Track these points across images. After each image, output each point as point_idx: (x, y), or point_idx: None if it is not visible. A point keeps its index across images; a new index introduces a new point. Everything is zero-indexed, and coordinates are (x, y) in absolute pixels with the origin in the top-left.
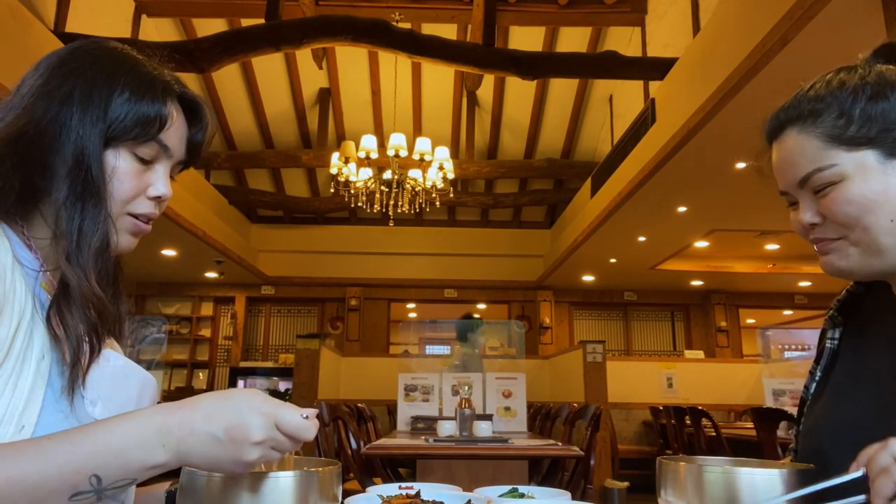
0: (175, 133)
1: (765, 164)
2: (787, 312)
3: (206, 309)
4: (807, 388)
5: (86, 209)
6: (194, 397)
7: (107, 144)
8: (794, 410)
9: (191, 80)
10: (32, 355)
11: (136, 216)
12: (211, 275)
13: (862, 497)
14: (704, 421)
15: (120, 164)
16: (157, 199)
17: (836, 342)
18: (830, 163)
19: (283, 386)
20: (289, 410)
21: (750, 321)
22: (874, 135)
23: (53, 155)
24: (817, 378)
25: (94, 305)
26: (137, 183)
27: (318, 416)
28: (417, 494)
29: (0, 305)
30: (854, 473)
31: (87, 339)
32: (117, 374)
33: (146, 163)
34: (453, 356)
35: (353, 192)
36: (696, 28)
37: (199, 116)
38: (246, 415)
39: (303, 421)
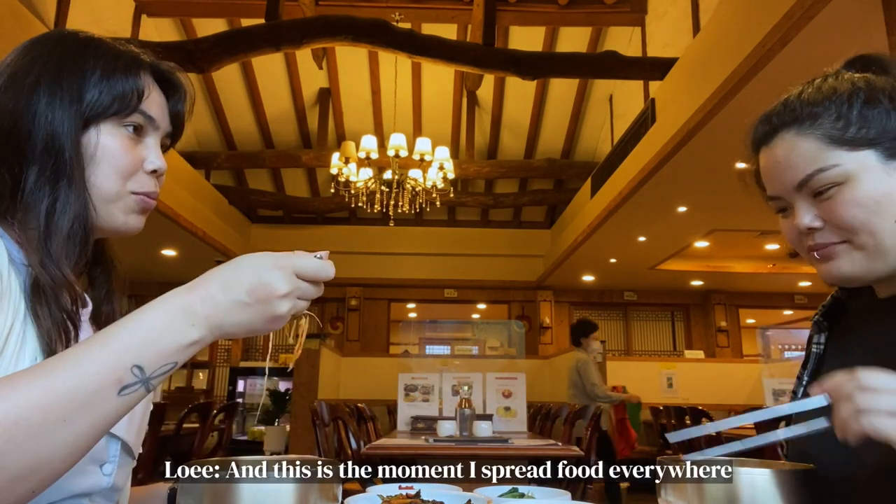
0: (155, 104)
1: (748, 171)
2: (787, 312)
3: None
4: (794, 392)
5: (56, 190)
6: (204, 275)
7: (87, 125)
8: None
9: (191, 80)
10: (26, 357)
11: (138, 194)
12: None
13: (824, 422)
14: (704, 421)
15: (109, 141)
16: (154, 174)
17: (821, 347)
18: (832, 163)
19: (283, 386)
20: (302, 257)
21: (750, 321)
22: (873, 136)
23: (29, 144)
24: (804, 382)
25: (67, 291)
26: (132, 158)
27: (319, 415)
28: (417, 494)
29: None
30: (817, 398)
31: (62, 328)
32: None
33: (136, 135)
34: (571, 358)
35: (353, 192)
36: (696, 28)
37: (174, 86)
38: (264, 273)
39: (320, 262)
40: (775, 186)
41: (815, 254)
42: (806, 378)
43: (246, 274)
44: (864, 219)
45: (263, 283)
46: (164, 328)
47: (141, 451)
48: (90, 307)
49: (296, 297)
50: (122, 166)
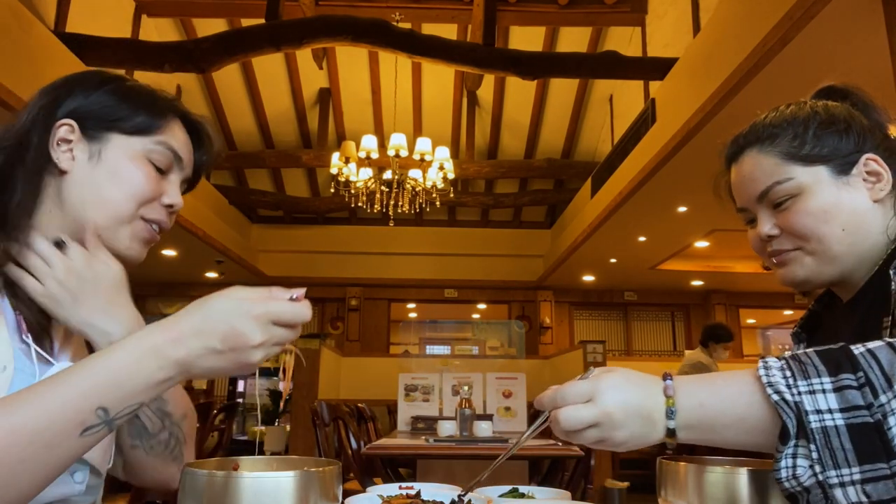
0: (185, 148)
1: (722, 185)
2: (788, 312)
3: None
4: None
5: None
6: (177, 315)
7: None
8: None
9: (191, 80)
10: None
11: (148, 221)
12: (211, 275)
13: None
14: None
15: (139, 168)
16: (170, 208)
17: None
18: (788, 176)
19: (283, 386)
20: (277, 302)
21: (750, 321)
22: (825, 154)
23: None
24: None
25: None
26: (155, 188)
27: (319, 415)
28: (417, 494)
29: None
30: (542, 416)
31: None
32: None
33: (161, 172)
34: (685, 359)
35: (353, 192)
36: (697, 28)
37: (201, 140)
38: (239, 322)
39: (296, 306)
40: (741, 199)
41: (774, 260)
42: None
43: (220, 321)
44: (813, 227)
45: (238, 332)
46: (132, 370)
47: (109, 466)
48: None
49: (270, 345)
50: (145, 193)
